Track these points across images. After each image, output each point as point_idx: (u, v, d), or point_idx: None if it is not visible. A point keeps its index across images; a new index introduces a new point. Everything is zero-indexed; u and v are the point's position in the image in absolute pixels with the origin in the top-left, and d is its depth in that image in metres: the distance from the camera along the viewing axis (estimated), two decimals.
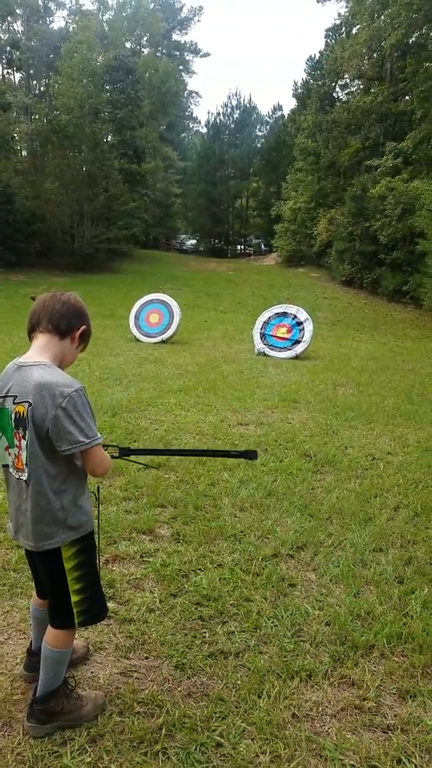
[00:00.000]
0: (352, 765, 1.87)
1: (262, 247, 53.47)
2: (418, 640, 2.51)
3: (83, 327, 2.00)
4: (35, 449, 1.82)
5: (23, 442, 1.84)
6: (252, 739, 1.97)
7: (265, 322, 13.21)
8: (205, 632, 2.58)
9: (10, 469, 1.93)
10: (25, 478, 1.87)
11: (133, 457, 2.43)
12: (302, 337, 12.72)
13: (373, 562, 3.33)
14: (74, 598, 1.95)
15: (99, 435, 1.87)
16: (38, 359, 1.89)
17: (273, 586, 3.00)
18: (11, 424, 1.87)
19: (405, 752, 1.93)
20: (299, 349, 12.57)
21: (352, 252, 31.29)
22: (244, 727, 2.02)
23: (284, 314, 13.29)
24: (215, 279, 34.36)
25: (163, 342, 13.20)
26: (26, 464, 1.85)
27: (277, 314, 13.32)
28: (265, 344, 12.85)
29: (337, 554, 3.42)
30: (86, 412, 1.84)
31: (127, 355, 11.18)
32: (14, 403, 1.85)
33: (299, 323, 12.91)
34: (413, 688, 2.24)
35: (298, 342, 12.69)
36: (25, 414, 1.81)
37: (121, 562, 3.19)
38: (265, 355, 12.57)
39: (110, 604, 2.74)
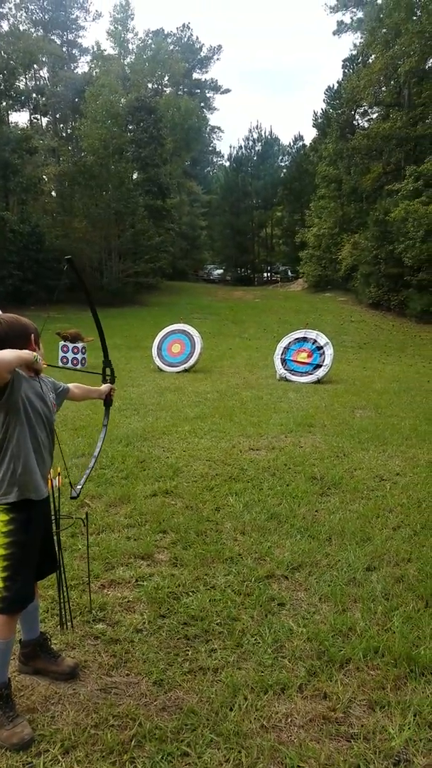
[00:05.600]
0: None
1: (289, 273, 53.84)
2: (394, 654, 2.56)
3: (32, 336, 2.33)
4: None
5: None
6: (218, 749, 2.05)
7: (285, 347, 13.32)
8: (188, 650, 2.67)
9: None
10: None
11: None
12: (323, 361, 12.78)
13: (364, 580, 3.37)
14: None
15: None
16: None
17: (261, 606, 3.08)
18: None
19: (364, 759, 1.99)
20: (320, 373, 12.62)
21: (377, 275, 31.27)
22: (212, 737, 2.11)
23: (304, 339, 13.38)
24: (241, 307, 34.72)
25: (185, 371, 13.43)
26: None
27: (297, 339, 13.42)
28: (286, 369, 12.95)
29: (331, 573, 3.48)
30: None
31: (149, 385, 11.42)
32: None
33: (319, 348, 12.99)
34: (382, 699, 2.30)
35: (319, 366, 12.75)
36: None
37: (116, 587, 3.31)
38: (286, 380, 12.65)
39: (99, 626, 2.87)
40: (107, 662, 2.57)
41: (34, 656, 2.49)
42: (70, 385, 2.72)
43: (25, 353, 2.15)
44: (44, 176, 37.70)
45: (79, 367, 14.05)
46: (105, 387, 3.00)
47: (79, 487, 2.65)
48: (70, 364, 14.22)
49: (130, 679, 2.46)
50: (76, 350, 14.26)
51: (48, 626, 2.81)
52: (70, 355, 14.26)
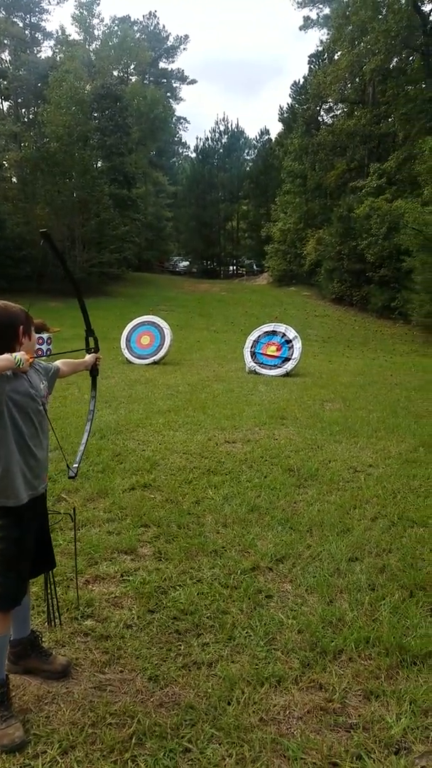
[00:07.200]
0: (314, 763, 1.95)
1: (254, 267, 54.00)
2: (385, 644, 2.60)
3: (20, 327, 2.21)
4: None
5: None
6: (219, 744, 2.04)
7: (255, 340, 13.38)
8: (180, 645, 2.66)
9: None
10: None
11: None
12: (292, 354, 12.89)
13: (348, 571, 3.41)
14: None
15: None
16: None
17: (249, 598, 3.08)
18: None
19: (365, 749, 2.01)
20: (289, 366, 12.72)
21: (340, 270, 31.74)
22: (213, 732, 2.09)
23: (273, 332, 13.46)
24: (208, 299, 34.67)
25: (155, 363, 13.33)
26: None
27: (267, 333, 13.50)
28: (255, 362, 13.00)
29: (314, 565, 3.51)
30: None
31: (119, 377, 11.30)
32: None
33: (288, 341, 13.09)
34: (377, 688, 2.33)
35: (287, 359, 12.85)
36: None
37: (102, 582, 3.26)
38: (255, 373, 12.71)
39: (88, 622, 2.82)
40: (99, 659, 2.53)
41: (25, 655, 2.43)
42: (58, 363, 2.63)
43: (4, 360, 1.99)
44: (5, 162, 36.74)
45: (43, 357, 13.78)
46: (90, 357, 2.87)
47: (75, 465, 2.58)
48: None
49: (124, 676, 2.42)
50: (40, 341, 13.95)
51: (35, 623, 2.75)
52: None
